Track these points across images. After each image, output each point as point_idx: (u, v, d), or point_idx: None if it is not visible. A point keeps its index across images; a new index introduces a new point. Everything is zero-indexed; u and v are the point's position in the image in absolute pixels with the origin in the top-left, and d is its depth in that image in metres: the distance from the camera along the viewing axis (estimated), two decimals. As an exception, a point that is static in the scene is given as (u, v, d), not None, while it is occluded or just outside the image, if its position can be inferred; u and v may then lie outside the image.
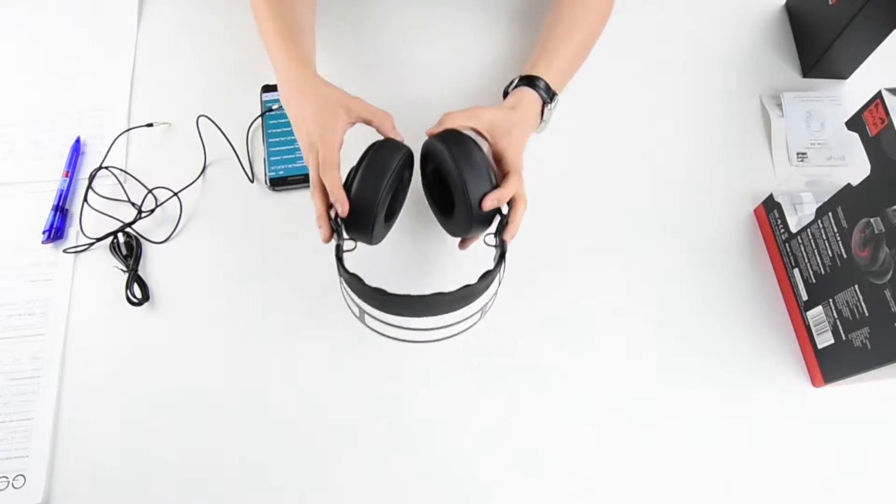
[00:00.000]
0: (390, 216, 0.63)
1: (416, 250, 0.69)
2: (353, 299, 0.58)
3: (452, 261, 0.69)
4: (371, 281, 0.56)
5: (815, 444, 0.64)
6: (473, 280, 0.56)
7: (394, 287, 0.56)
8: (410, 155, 0.61)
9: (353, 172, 0.59)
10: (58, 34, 0.82)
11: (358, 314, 0.59)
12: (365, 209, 0.57)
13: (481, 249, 0.62)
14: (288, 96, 0.64)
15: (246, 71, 0.79)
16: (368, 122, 0.63)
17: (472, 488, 0.61)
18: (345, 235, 0.60)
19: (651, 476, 0.62)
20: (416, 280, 0.68)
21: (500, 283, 0.60)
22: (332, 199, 0.59)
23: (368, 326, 0.59)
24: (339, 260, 0.58)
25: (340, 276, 0.58)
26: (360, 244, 0.61)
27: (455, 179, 0.58)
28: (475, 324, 0.60)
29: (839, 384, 0.64)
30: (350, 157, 0.61)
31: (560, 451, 0.63)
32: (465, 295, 0.56)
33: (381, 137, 0.61)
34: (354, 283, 0.56)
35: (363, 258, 0.61)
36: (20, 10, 0.83)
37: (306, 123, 0.61)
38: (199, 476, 0.61)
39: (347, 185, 0.59)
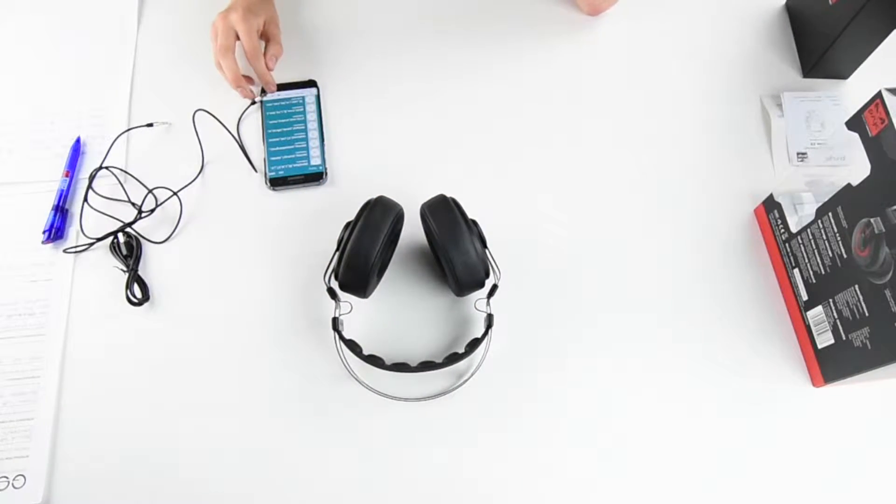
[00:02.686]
0: (382, 270, 0.67)
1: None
2: (347, 361, 0.64)
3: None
4: (363, 325, 0.66)
5: (815, 444, 0.64)
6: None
7: (385, 336, 0.66)
8: (402, 215, 0.65)
9: (349, 231, 0.61)
10: (58, 34, 0.82)
11: (351, 373, 0.64)
12: (360, 268, 0.61)
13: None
14: None
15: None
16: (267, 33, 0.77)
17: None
18: (340, 298, 0.64)
19: (650, 475, 0.62)
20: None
21: (487, 349, 0.64)
22: (260, 79, 0.75)
23: (361, 383, 0.63)
24: (336, 329, 0.63)
25: (337, 342, 0.63)
26: (353, 299, 0.65)
27: (442, 254, 0.62)
28: (465, 382, 0.64)
29: (839, 384, 0.64)
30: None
31: (557, 447, 0.63)
32: (453, 361, 0.62)
33: (377, 194, 0.64)
34: (352, 348, 0.62)
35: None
36: (20, 10, 0.83)
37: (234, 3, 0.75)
38: (200, 476, 0.61)
39: (343, 244, 0.61)
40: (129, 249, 0.69)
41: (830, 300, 0.62)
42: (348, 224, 0.63)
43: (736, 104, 0.79)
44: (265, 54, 0.75)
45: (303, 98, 0.77)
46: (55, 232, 0.70)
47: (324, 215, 0.71)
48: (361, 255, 0.60)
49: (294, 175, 0.73)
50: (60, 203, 0.71)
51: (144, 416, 0.63)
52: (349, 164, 0.75)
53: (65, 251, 0.69)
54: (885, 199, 0.55)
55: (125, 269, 0.68)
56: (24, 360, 0.65)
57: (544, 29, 0.83)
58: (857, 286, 0.59)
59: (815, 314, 0.65)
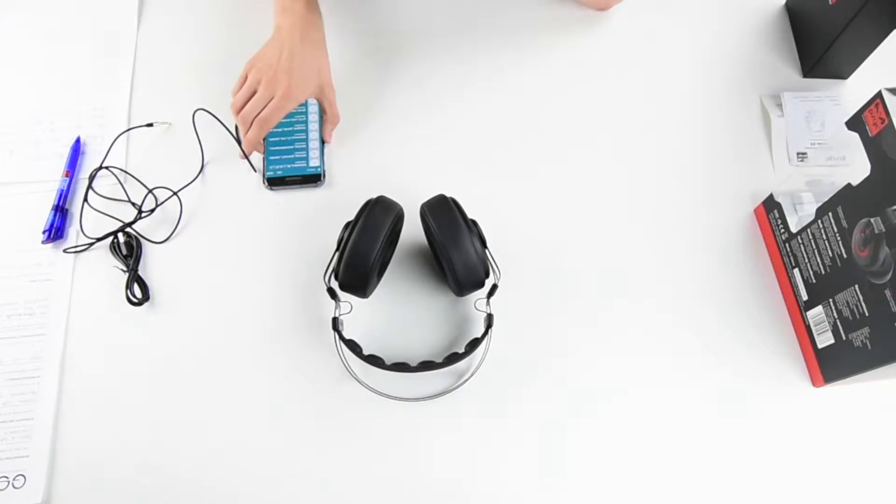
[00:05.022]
0: (382, 270, 0.67)
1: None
2: (347, 361, 0.64)
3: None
4: (363, 325, 0.65)
5: (815, 444, 0.64)
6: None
7: (385, 336, 0.66)
8: (402, 215, 0.65)
9: (349, 231, 0.61)
10: (58, 34, 0.82)
11: (351, 373, 0.64)
12: (360, 269, 0.61)
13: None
14: (291, 31, 0.73)
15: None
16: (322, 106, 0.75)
17: None
18: (340, 298, 0.64)
19: (650, 476, 0.62)
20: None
21: (487, 349, 0.64)
22: (257, 135, 0.72)
23: (361, 382, 0.63)
24: (336, 329, 0.63)
25: (337, 342, 0.63)
26: (354, 299, 0.65)
27: (441, 254, 0.62)
28: (465, 382, 0.64)
29: (839, 384, 0.64)
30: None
31: (558, 447, 0.63)
32: (453, 361, 0.62)
33: (377, 194, 0.64)
34: (352, 348, 0.62)
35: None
36: (20, 10, 0.83)
37: (287, 65, 0.71)
38: (200, 475, 0.61)
39: (343, 244, 0.61)
40: (129, 249, 0.69)
41: (830, 300, 0.62)
42: (348, 224, 0.63)
43: (736, 104, 0.79)
44: (324, 126, 0.75)
45: None
46: (55, 232, 0.70)
47: (324, 215, 0.71)
48: (361, 256, 0.60)
49: (292, 175, 0.73)
50: (60, 203, 0.71)
51: (144, 415, 0.63)
52: (349, 164, 0.75)
53: (65, 251, 0.69)
54: (885, 199, 0.55)
55: (125, 269, 0.68)
56: (24, 360, 0.65)
57: (544, 30, 0.83)
58: (857, 286, 0.59)
59: (815, 314, 0.65)
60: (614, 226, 0.73)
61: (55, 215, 0.70)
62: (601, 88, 0.80)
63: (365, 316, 0.67)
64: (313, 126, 0.76)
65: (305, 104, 0.77)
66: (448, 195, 0.64)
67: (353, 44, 0.82)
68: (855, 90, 0.80)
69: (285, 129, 0.75)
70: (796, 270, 0.67)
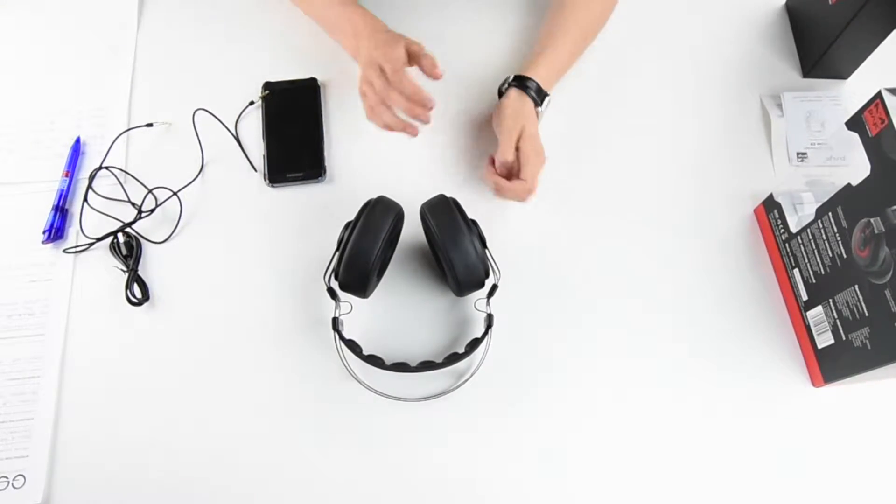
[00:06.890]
0: (382, 270, 0.67)
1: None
2: (347, 361, 0.63)
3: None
4: (363, 325, 0.65)
5: (815, 444, 0.64)
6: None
7: (385, 336, 0.66)
8: (402, 215, 0.64)
9: (349, 231, 0.62)
10: (58, 34, 0.82)
11: (351, 373, 0.63)
12: (360, 269, 0.61)
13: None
14: (364, 39, 0.70)
15: (246, 70, 0.79)
16: (413, 52, 0.68)
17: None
18: (340, 298, 0.64)
19: (651, 475, 0.62)
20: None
21: (487, 349, 0.64)
22: (416, 98, 0.65)
23: (361, 383, 0.63)
24: (336, 329, 0.63)
25: (337, 342, 0.63)
26: (354, 299, 0.65)
27: (442, 255, 0.62)
28: (465, 382, 0.64)
29: (839, 384, 0.64)
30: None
31: (558, 447, 0.63)
32: (453, 361, 0.62)
33: (377, 194, 0.64)
34: (352, 348, 0.62)
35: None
36: (20, 10, 0.83)
37: (374, 50, 0.68)
38: (199, 475, 0.61)
39: (343, 244, 0.62)
40: (128, 249, 0.69)
41: (830, 300, 0.62)
42: (348, 224, 0.63)
43: (736, 104, 0.79)
44: (423, 66, 0.68)
45: (303, 96, 0.77)
46: (55, 232, 0.69)
47: (324, 215, 0.71)
48: (361, 256, 0.60)
49: (292, 172, 0.73)
50: (60, 203, 0.71)
51: (144, 415, 0.63)
52: (349, 163, 0.75)
53: (65, 251, 0.69)
54: (885, 199, 0.55)
55: (125, 269, 0.68)
56: (24, 360, 0.65)
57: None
58: (856, 286, 0.59)
59: (815, 314, 0.65)
60: (614, 225, 0.72)
61: (55, 215, 0.70)
62: (601, 88, 0.80)
63: (365, 316, 0.67)
64: (313, 123, 0.76)
65: (303, 99, 0.77)
66: (448, 195, 0.64)
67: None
68: (855, 90, 0.80)
69: (284, 125, 0.75)
70: (796, 270, 0.67)
